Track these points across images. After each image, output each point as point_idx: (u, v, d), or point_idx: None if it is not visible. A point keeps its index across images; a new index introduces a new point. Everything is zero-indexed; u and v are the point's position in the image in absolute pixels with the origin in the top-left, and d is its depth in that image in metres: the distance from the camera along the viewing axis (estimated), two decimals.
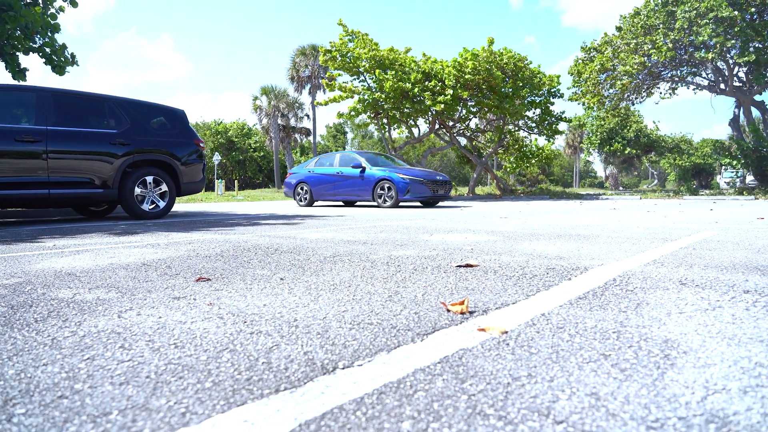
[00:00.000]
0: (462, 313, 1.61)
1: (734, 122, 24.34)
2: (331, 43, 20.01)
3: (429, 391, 1.00)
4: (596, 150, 38.20)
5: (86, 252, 3.28)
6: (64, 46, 9.59)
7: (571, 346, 1.28)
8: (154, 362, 1.18)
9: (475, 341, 1.32)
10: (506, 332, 1.39)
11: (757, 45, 20.49)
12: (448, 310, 1.64)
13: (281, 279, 2.23)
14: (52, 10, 9.32)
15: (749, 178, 26.81)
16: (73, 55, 9.78)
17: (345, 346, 1.30)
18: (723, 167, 30.09)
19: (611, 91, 24.64)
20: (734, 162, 22.73)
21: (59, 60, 9.45)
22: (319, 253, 3.10)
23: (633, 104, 26.49)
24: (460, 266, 2.54)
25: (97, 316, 1.61)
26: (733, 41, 20.12)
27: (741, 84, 23.52)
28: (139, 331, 1.43)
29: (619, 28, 23.51)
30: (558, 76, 21.58)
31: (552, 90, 21.83)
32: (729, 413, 0.90)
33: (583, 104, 25.92)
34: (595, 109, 26.53)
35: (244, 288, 2.04)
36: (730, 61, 22.46)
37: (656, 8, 21.73)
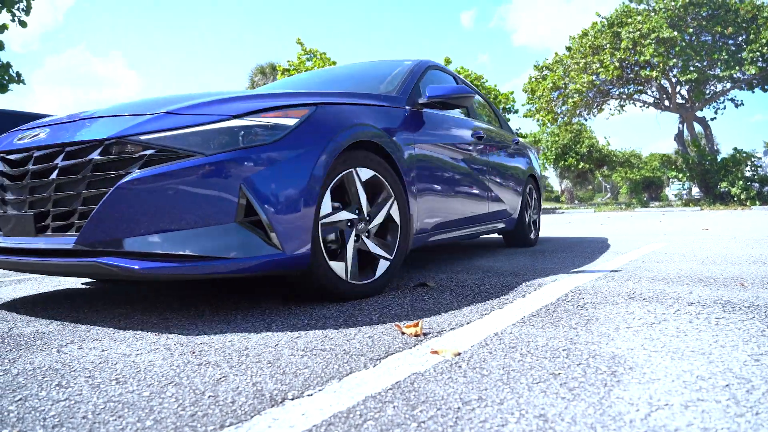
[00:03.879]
0: (416, 335, 1.60)
1: (679, 137, 25.53)
2: (289, 62, 20.00)
3: (379, 420, 0.98)
4: (551, 165, 39.29)
5: (28, 281, 3.13)
6: (8, 65, 9.26)
7: (522, 366, 1.29)
8: (92, 401, 1.12)
9: (427, 365, 1.31)
10: (459, 354, 1.39)
11: (696, 64, 21.63)
12: (403, 333, 1.64)
13: (235, 305, 2.18)
14: None
15: (695, 190, 28.11)
16: (18, 74, 9.45)
17: (296, 374, 1.27)
18: (670, 180, 31.45)
19: (563, 107, 25.48)
20: (680, 175, 23.78)
21: (2, 78, 9.10)
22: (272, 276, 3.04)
23: (585, 120, 27.46)
24: (416, 286, 2.54)
25: (34, 351, 1.53)
26: (674, 60, 21.19)
27: (684, 101, 24.74)
28: (79, 367, 1.36)
29: (569, 48, 24.42)
30: (511, 93, 22.21)
31: (507, 107, 22.42)
32: (671, 429, 0.92)
33: (538, 121, 26.70)
34: (549, 124, 27.35)
35: (194, 315, 1.98)
36: (673, 80, 23.61)
37: (602, 29, 22.71)
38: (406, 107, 2.77)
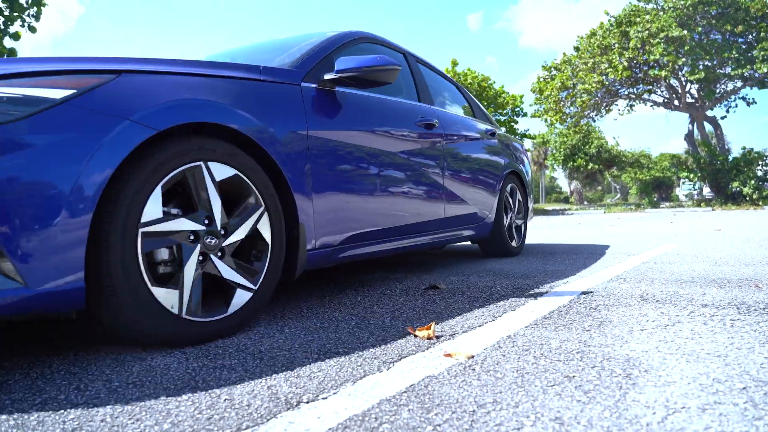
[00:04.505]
0: (429, 338, 1.60)
1: (689, 137, 25.33)
2: None
3: (394, 423, 0.99)
4: (560, 166, 39.15)
5: None
6: None
7: (536, 368, 1.29)
8: (110, 404, 1.13)
9: (441, 367, 1.32)
10: (472, 357, 1.40)
11: (706, 63, 21.47)
12: (415, 336, 1.64)
13: None
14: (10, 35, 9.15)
15: (706, 190, 27.87)
16: None
17: (310, 378, 1.27)
18: (681, 180, 31.24)
19: (572, 108, 25.38)
20: (691, 175, 23.59)
21: None
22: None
23: (594, 121, 27.33)
24: (427, 288, 2.54)
25: (51, 355, 1.55)
26: (683, 59, 21.05)
27: (693, 100, 24.56)
28: (96, 371, 1.37)
29: (577, 48, 24.33)
30: (521, 96, 22.18)
31: (515, 109, 22.38)
32: None
33: (546, 121, 26.62)
34: (557, 124, 27.25)
35: None
36: (682, 79, 23.45)
37: (611, 29, 22.61)
38: (305, 84, 2.12)
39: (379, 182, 2.46)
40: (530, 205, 4.46)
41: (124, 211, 1.42)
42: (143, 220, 1.46)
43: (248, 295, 1.73)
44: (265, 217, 1.81)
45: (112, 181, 1.41)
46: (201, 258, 1.61)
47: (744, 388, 1.11)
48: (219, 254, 1.67)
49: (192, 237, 1.59)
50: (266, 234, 1.82)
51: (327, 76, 2.22)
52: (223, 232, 1.68)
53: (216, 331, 1.64)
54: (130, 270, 1.43)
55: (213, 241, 1.64)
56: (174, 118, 1.55)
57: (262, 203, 1.80)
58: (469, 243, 4.36)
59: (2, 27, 9.45)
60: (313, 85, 2.17)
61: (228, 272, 1.68)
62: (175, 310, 1.52)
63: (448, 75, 3.85)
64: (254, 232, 1.78)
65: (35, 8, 9.94)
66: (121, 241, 1.41)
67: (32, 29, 9.84)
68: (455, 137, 3.28)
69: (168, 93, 1.58)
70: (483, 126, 3.88)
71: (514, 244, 4.03)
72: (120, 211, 1.41)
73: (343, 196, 2.22)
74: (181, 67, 1.70)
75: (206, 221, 1.64)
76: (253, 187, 1.77)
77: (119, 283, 1.41)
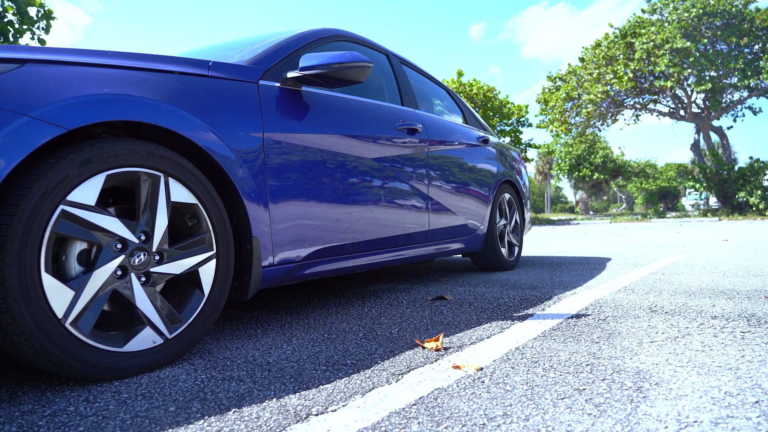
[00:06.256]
0: (437, 350, 1.60)
1: (695, 147, 25.29)
2: None
3: None
4: (566, 176, 39.13)
5: None
6: None
7: (546, 381, 1.28)
8: (120, 416, 1.14)
9: (450, 380, 1.31)
10: (481, 369, 1.39)
11: (712, 74, 21.50)
12: (423, 347, 1.63)
13: (255, 318, 2.19)
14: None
15: (713, 200, 27.77)
16: None
17: (319, 390, 1.27)
18: (687, 190, 31.14)
19: (577, 118, 25.40)
20: (697, 185, 23.53)
21: None
22: (290, 288, 3.06)
23: (599, 131, 27.34)
24: (434, 299, 2.54)
25: None
26: (689, 70, 21.09)
27: (699, 110, 24.55)
28: (106, 382, 1.38)
29: (582, 59, 24.40)
30: (526, 106, 22.23)
31: (520, 119, 22.42)
32: None
33: (551, 131, 26.65)
34: (562, 135, 27.29)
35: (216, 330, 2.00)
36: (688, 89, 23.47)
37: (616, 40, 22.69)
38: (264, 82, 1.94)
39: (351, 191, 2.25)
40: (527, 216, 4.27)
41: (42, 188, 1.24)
42: (70, 198, 1.29)
43: (157, 340, 1.47)
44: (212, 264, 1.62)
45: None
46: (120, 272, 1.40)
47: (757, 401, 1.10)
48: (143, 279, 1.46)
49: (120, 245, 1.40)
50: (207, 279, 1.62)
51: (290, 74, 2.03)
52: (157, 257, 1.50)
53: (100, 363, 1.34)
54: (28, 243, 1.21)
55: (143, 258, 1.45)
56: (88, 115, 1.34)
57: (213, 246, 1.63)
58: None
59: (11, 39, 9.58)
60: (275, 84, 1.99)
61: (143, 303, 1.44)
62: (60, 314, 1.27)
63: (439, 80, 3.71)
64: (193, 272, 1.59)
65: (45, 21, 10.10)
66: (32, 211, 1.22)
67: (42, 42, 9.98)
68: (442, 143, 3.07)
69: (85, 87, 1.37)
70: (475, 132, 3.68)
71: (509, 257, 3.82)
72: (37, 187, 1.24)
73: (308, 206, 2.02)
74: (107, 58, 1.49)
75: (142, 236, 1.46)
76: (209, 223, 1.62)
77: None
